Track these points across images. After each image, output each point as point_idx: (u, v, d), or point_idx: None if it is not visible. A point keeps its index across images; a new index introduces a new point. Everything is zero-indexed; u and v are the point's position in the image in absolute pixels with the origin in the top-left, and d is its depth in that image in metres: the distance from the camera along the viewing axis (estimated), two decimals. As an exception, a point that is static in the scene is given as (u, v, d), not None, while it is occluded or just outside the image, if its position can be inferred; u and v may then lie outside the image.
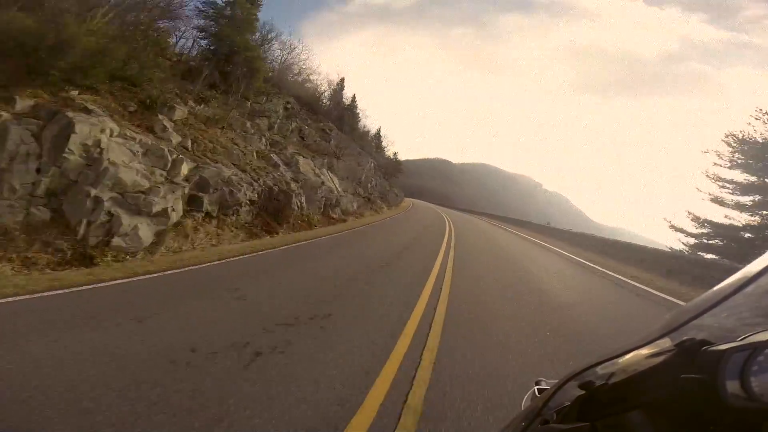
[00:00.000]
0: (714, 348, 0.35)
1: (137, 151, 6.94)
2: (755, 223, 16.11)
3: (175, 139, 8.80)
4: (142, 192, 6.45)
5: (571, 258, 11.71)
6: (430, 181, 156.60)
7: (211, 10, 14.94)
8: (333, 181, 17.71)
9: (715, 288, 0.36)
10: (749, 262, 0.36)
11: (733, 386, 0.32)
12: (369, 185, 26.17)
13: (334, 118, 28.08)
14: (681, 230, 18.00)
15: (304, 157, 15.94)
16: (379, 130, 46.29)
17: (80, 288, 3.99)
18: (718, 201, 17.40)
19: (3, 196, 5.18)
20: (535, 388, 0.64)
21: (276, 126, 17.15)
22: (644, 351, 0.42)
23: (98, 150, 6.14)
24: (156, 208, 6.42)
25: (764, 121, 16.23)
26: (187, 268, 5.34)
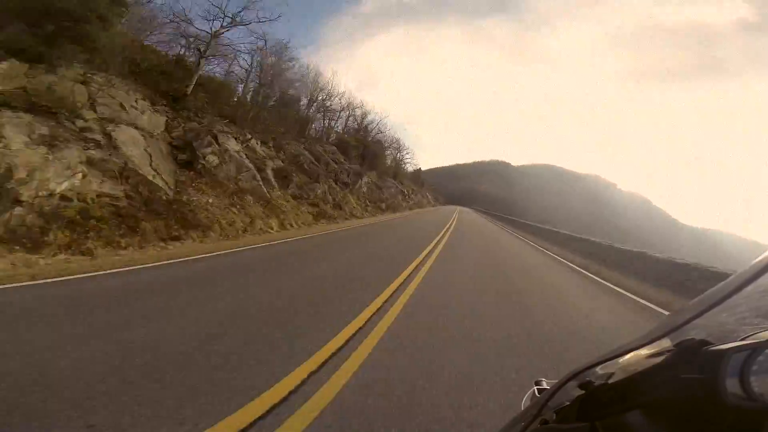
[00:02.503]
0: (714, 348, 0.35)
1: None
2: None
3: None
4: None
5: None
6: (485, 185, 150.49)
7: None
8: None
9: (715, 288, 0.35)
10: None
11: (733, 386, 0.31)
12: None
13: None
14: None
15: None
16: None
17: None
18: None
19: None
20: (535, 387, 0.64)
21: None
22: (644, 351, 0.41)
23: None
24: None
25: None
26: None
